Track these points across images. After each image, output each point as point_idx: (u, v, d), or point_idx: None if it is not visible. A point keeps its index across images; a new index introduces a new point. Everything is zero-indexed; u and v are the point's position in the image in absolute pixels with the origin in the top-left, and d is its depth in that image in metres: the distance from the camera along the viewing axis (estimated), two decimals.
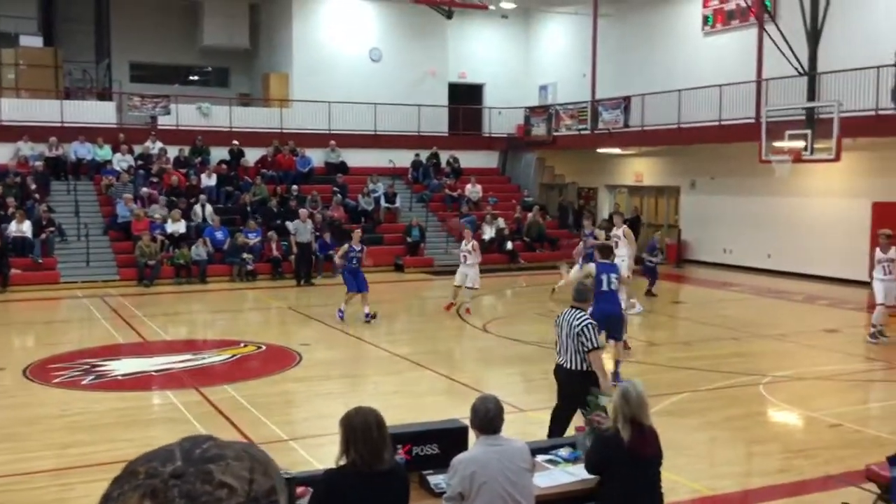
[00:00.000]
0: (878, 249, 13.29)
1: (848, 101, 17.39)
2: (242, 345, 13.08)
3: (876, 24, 18.43)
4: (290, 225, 21.46)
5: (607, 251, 10.67)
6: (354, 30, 27.56)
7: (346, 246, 14.75)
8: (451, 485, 4.44)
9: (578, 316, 7.40)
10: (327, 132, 25.96)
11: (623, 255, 15.73)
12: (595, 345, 7.29)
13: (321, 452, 7.24)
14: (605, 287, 10.10)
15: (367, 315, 14.64)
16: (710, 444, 8.01)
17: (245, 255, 20.72)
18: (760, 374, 11.10)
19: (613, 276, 10.19)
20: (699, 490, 7.03)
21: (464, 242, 16.27)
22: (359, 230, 15.97)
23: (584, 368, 7.35)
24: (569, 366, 7.40)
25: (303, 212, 21.32)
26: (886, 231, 13.31)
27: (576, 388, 7.38)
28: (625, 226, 16.64)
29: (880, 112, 17.59)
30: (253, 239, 21.21)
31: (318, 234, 21.27)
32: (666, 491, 5.24)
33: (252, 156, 24.91)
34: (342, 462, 4.06)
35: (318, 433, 8.20)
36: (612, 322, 10.10)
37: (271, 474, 1.00)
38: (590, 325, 7.31)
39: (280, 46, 27.83)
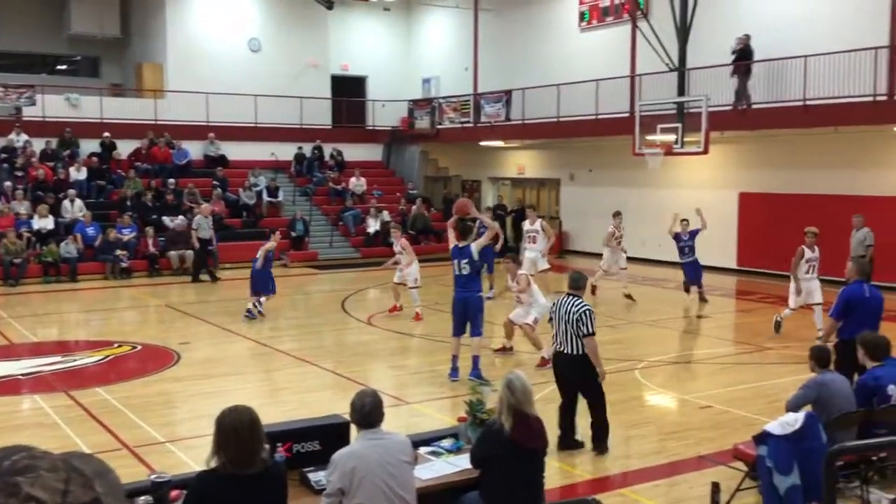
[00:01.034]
0: (804, 248, 12.49)
1: (715, 96, 18.16)
2: (116, 345, 12.58)
3: (740, 21, 19.30)
4: (184, 220, 20.64)
5: (467, 231, 10.14)
6: (232, 19, 26.85)
7: (270, 244, 14.46)
8: (331, 481, 4.39)
9: (577, 303, 7.60)
10: (205, 124, 25.22)
11: (539, 249, 15.99)
12: (590, 330, 7.48)
13: (200, 454, 7.01)
14: (456, 272, 9.99)
15: (253, 313, 14.42)
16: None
17: (119, 252, 19.92)
18: (637, 359, 11.48)
19: (464, 261, 9.90)
20: (580, 475, 7.20)
21: (395, 244, 14.95)
22: (278, 233, 15.61)
23: (584, 353, 7.52)
24: (568, 351, 7.56)
25: (205, 207, 20.66)
26: (813, 229, 12.61)
27: (576, 373, 7.58)
28: (540, 219, 16.81)
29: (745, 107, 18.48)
30: (127, 235, 20.43)
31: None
32: (546, 477, 5.32)
33: (125, 148, 23.94)
34: (213, 464, 3.94)
35: (196, 434, 7.95)
36: (469, 308, 10.03)
37: (93, 486, 0.93)
38: (588, 312, 7.52)
39: (153, 35, 26.83)
